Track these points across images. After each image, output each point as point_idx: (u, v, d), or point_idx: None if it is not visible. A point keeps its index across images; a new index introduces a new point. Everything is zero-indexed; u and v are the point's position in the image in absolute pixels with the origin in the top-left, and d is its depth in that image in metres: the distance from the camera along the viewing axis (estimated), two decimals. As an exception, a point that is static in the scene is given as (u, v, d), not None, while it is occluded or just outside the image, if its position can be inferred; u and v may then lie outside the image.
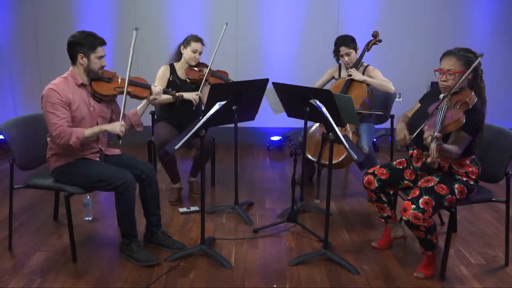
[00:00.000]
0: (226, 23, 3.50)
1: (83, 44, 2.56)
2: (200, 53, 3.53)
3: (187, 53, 3.51)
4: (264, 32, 5.07)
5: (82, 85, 2.63)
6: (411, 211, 2.30)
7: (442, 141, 2.14)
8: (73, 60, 2.61)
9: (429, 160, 2.12)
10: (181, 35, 3.58)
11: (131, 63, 2.67)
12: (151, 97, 2.83)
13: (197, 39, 3.51)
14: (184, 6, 4.97)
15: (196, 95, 3.42)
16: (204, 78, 3.50)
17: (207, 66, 3.57)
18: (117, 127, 2.61)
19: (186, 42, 3.52)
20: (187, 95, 3.39)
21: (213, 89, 2.80)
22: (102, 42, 2.62)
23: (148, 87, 2.85)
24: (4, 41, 5.04)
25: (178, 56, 3.60)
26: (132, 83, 2.78)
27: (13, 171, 2.68)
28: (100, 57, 2.62)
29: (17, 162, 2.65)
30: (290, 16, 5.03)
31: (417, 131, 2.30)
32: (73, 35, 2.59)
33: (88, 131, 2.54)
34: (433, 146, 2.11)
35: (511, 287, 2.46)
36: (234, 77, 4.95)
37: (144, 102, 2.86)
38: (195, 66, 3.56)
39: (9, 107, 5.20)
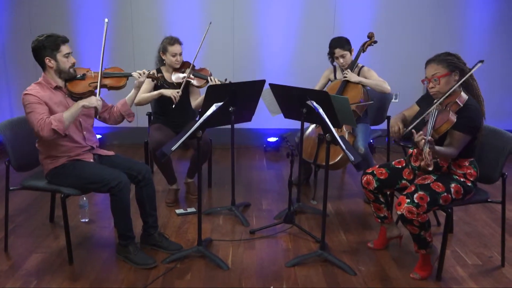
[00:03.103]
0: (210, 22, 3.38)
1: (45, 46, 2.51)
2: (180, 54, 3.48)
3: (167, 58, 3.48)
4: (261, 34, 5.07)
5: (57, 88, 2.60)
6: (405, 205, 2.32)
7: (434, 145, 2.18)
8: (43, 66, 2.57)
9: (422, 163, 2.14)
10: (178, 36, 3.55)
11: (103, 56, 2.65)
12: (136, 82, 2.81)
13: (172, 41, 3.44)
14: (181, 7, 4.96)
15: (177, 92, 3.34)
16: (185, 79, 3.43)
17: (189, 66, 3.50)
18: (93, 100, 2.57)
19: (163, 48, 3.48)
20: (167, 92, 3.37)
21: (210, 91, 2.80)
22: (64, 40, 2.57)
23: (124, 75, 2.80)
24: (0, 42, 5.02)
25: (161, 61, 3.57)
26: (106, 75, 2.75)
27: (9, 173, 2.67)
28: (67, 55, 2.57)
29: (12, 164, 2.64)
30: (286, 18, 5.03)
31: (412, 125, 2.32)
32: (33, 41, 2.54)
33: (66, 112, 2.49)
34: (425, 149, 2.14)
35: (507, 287, 2.47)
36: (231, 78, 4.94)
37: (132, 91, 2.84)
38: (180, 67, 3.53)
39: (5, 108, 5.18)
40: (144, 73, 2.84)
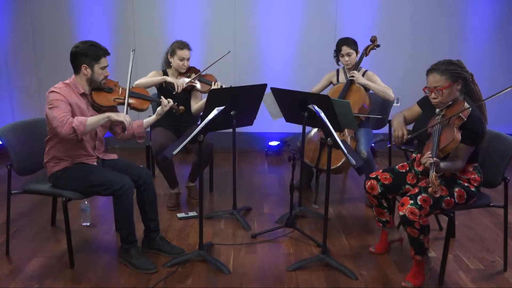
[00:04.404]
0: (229, 51, 3.45)
1: (87, 54, 2.55)
2: (188, 59, 3.50)
3: (174, 61, 3.49)
4: (262, 38, 5.08)
5: (83, 95, 2.62)
6: (408, 206, 2.31)
7: (440, 165, 2.19)
8: (77, 70, 2.60)
9: (430, 190, 2.14)
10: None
11: (130, 81, 2.72)
12: (159, 110, 2.83)
13: (182, 46, 3.46)
14: (182, 13, 4.98)
15: (181, 83, 3.34)
16: (190, 84, 3.44)
17: (196, 72, 3.53)
18: (121, 115, 2.59)
19: (172, 51, 3.50)
20: (171, 79, 3.39)
21: (212, 95, 2.81)
22: (106, 53, 2.61)
23: (149, 99, 2.86)
24: (2, 45, 5.04)
25: (168, 63, 3.59)
26: (133, 94, 2.79)
27: (11, 176, 2.67)
28: (104, 68, 2.61)
29: (14, 167, 2.65)
30: (288, 22, 5.04)
31: (415, 134, 2.31)
32: (76, 45, 2.58)
33: (91, 118, 2.51)
34: (431, 174, 2.14)
35: (510, 292, 2.46)
36: (232, 82, 4.97)
37: (152, 117, 2.87)
38: (185, 72, 3.55)
39: (7, 111, 5.19)
40: (169, 103, 2.85)
